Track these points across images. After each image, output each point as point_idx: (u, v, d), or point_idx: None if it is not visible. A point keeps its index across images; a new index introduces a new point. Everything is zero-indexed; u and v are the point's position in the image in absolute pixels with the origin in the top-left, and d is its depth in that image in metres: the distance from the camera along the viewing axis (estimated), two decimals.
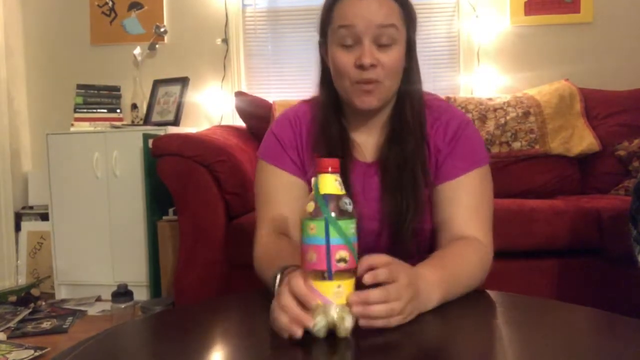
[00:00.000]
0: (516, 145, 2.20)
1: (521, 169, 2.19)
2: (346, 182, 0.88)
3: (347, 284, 0.62)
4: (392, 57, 0.87)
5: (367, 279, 0.63)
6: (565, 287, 1.66)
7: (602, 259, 1.65)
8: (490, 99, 2.31)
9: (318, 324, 0.61)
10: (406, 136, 0.92)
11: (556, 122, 2.22)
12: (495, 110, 2.25)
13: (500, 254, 1.64)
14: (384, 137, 0.96)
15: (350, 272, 0.63)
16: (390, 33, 0.86)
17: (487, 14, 2.63)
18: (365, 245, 0.84)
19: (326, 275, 0.61)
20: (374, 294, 0.62)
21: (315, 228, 0.62)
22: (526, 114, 2.22)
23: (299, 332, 0.60)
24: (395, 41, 0.87)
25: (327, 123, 0.95)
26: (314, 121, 0.98)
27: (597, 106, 2.29)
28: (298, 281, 0.62)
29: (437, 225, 0.93)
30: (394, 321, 0.65)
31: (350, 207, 0.64)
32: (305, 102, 1.04)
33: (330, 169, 0.64)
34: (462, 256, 0.84)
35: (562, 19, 2.60)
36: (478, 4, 2.62)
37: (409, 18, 0.90)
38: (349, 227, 0.63)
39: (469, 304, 0.76)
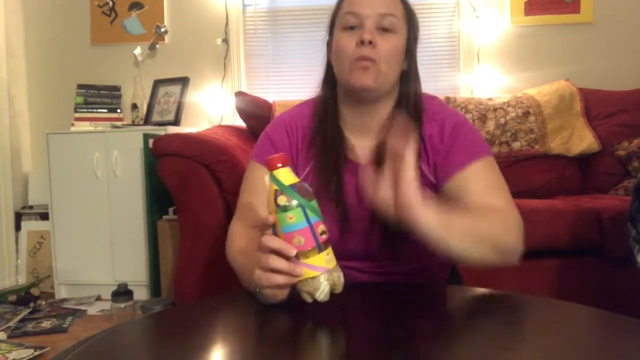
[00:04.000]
0: (516, 145, 2.20)
1: (521, 169, 2.19)
2: (339, 181, 0.91)
3: (330, 249, 0.72)
4: (390, 43, 0.91)
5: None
6: (565, 287, 1.66)
7: (602, 259, 1.65)
8: (490, 99, 2.32)
9: (324, 290, 0.70)
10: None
11: (556, 122, 2.22)
12: (495, 110, 2.26)
13: None
14: (379, 141, 0.95)
15: (329, 240, 0.72)
16: (391, 21, 0.91)
17: (487, 14, 2.63)
18: (355, 245, 0.87)
19: (314, 250, 0.70)
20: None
21: (295, 216, 0.69)
22: (526, 114, 2.23)
23: (298, 270, 0.69)
24: (395, 29, 0.92)
25: (325, 119, 0.97)
26: (313, 117, 1.00)
27: (597, 106, 2.30)
28: (271, 237, 0.70)
29: None
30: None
31: (310, 188, 0.72)
32: (305, 103, 1.05)
33: (280, 165, 0.71)
34: (469, 210, 0.85)
35: (562, 19, 2.60)
36: (478, 4, 2.62)
37: (410, 18, 0.96)
38: (316, 204, 0.72)
39: (469, 303, 0.76)
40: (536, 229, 1.65)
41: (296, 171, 0.97)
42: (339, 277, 0.72)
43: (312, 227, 0.70)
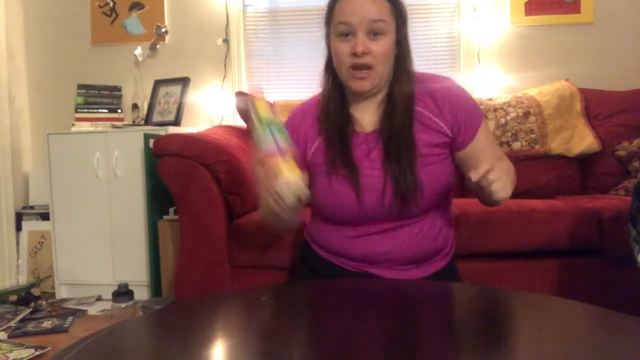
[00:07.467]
0: (516, 145, 2.20)
1: (521, 169, 2.18)
2: (348, 148, 1.09)
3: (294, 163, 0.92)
4: (382, 46, 1.04)
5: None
6: (565, 287, 1.66)
7: (602, 259, 1.65)
8: (490, 99, 2.32)
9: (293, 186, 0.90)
10: (397, 111, 1.08)
11: (556, 123, 2.22)
12: (495, 110, 2.26)
13: (501, 254, 1.65)
14: (380, 114, 1.11)
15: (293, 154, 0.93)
16: (380, 26, 1.03)
17: (487, 14, 2.63)
18: (371, 201, 1.06)
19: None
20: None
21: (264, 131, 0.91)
22: (526, 114, 2.23)
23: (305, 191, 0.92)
24: (384, 32, 1.04)
25: (331, 99, 1.12)
26: (322, 99, 1.14)
27: (597, 106, 2.30)
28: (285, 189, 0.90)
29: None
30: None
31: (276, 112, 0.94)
32: (315, 97, 1.20)
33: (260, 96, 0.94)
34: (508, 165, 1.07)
35: (562, 19, 2.60)
36: (478, 4, 2.62)
37: (399, 14, 1.07)
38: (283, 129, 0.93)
39: (470, 300, 0.76)
40: (536, 229, 1.65)
41: (305, 147, 1.15)
42: (303, 185, 0.91)
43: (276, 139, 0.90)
